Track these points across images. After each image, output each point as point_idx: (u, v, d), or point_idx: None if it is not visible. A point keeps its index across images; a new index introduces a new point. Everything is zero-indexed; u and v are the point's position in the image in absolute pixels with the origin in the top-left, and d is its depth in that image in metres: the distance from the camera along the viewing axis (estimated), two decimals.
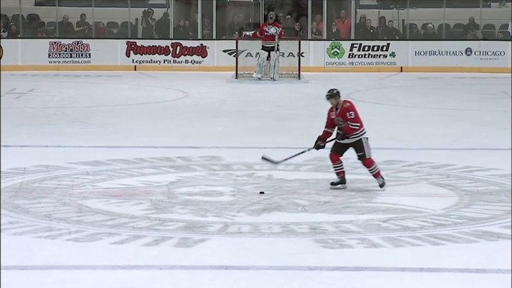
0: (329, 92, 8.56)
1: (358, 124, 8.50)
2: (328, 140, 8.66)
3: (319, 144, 8.63)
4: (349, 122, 8.44)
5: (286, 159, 8.86)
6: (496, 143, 12.43)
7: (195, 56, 21.87)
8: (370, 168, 8.62)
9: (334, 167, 8.68)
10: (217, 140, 12.19)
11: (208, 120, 14.47)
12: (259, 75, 19.15)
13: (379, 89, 19.57)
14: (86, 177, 9.93)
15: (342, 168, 8.60)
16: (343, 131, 8.51)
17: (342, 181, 8.64)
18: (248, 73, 19.85)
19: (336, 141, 8.61)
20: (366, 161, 8.57)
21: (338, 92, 8.52)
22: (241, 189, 9.32)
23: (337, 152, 8.58)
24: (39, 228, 7.73)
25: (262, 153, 8.65)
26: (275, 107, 16.41)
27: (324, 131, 8.63)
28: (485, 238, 7.51)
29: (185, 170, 10.38)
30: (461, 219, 8.16)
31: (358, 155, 8.55)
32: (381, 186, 8.65)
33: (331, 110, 8.57)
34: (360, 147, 8.51)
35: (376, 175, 8.64)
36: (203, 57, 21.87)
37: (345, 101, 8.58)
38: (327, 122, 8.62)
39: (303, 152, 8.95)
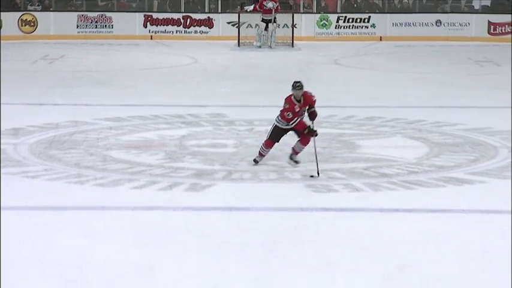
0: (298, 83, 7.53)
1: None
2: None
3: (314, 130, 7.56)
4: (315, 106, 7.58)
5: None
6: (462, 102, 12.25)
7: (203, 27, 21.57)
8: (304, 146, 7.63)
9: (265, 152, 7.66)
10: (222, 100, 11.97)
11: (214, 83, 14.20)
12: (258, 44, 18.93)
13: (362, 56, 19.29)
14: (109, 131, 9.69)
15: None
16: (312, 115, 7.56)
17: (260, 160, 7.75)
18: (249, 42, 19.57)
19: (278, 128, 7.57)
20: (307, 139, 7.61)
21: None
22: (242, 142, 9.11)
23: (276, 139, 7.60)
24: (70, 175, 7.64)
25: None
26: (272, 71, 16.16)
27: (300, 120, 7.48)
28: (452, 183, 7.39)
29: (194, 125, 10.13)
30: (431, 167, 8.01)
31: (303, 133, 7.54)
32: (297, 162, 7.65)
33: (293, 104, 7.49)
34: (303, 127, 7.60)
35: (296, 152, 7.68)
36: (210, 28, 21.57)
37: (305, 92, 7.57)
38: (293, 114, 7.45)
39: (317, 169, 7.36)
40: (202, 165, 7.98)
